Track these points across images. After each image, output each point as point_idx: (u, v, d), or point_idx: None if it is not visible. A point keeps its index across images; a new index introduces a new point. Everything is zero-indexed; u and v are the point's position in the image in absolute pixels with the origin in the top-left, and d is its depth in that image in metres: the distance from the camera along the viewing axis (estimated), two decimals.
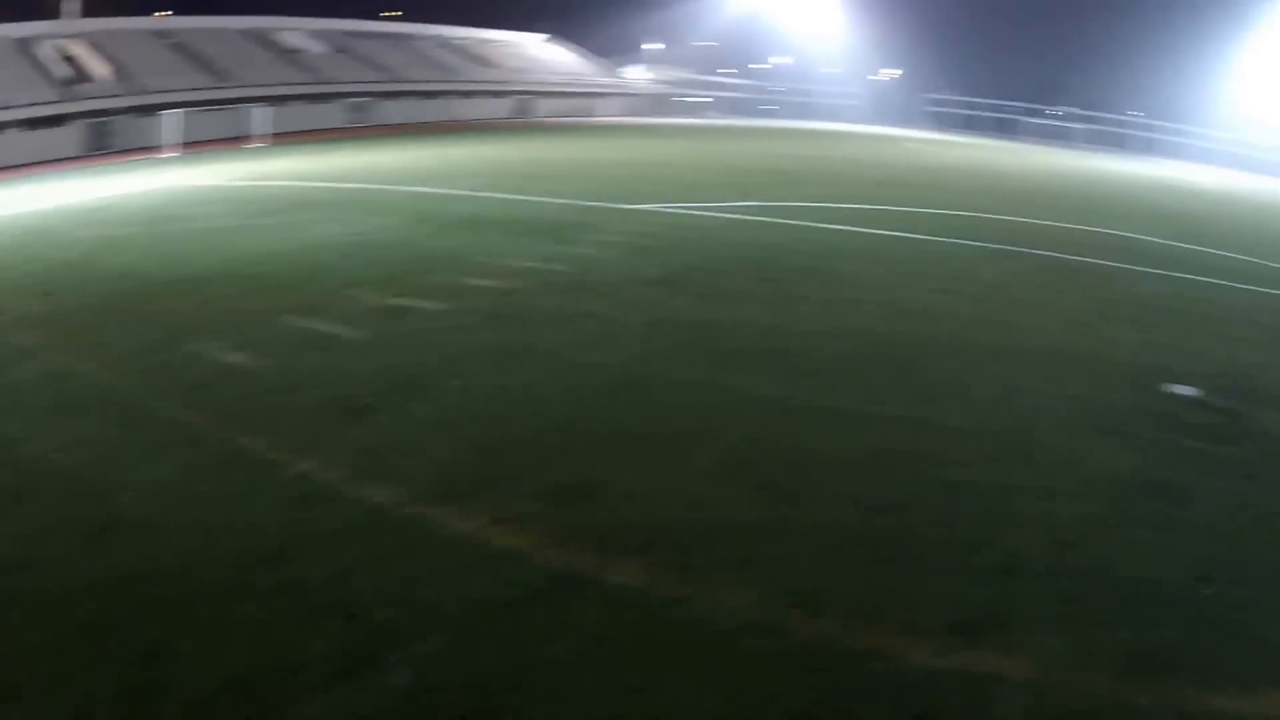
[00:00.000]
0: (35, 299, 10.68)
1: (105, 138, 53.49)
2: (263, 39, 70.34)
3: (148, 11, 74.63)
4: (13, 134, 48.88)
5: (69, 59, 59.06)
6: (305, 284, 10.72)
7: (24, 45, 58.76)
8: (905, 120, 60.75)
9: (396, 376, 7.30)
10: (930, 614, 4.19)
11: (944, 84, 63.67)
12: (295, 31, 73.00)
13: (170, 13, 75.68)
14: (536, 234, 13.99)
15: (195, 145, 40.98)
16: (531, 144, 36.86)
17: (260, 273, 11.49)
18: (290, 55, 69.11)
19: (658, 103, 65.31)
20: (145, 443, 6.12)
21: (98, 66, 58.78)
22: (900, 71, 71.22)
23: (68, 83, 55.07)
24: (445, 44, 72.85)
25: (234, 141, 43.92)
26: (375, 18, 76.53)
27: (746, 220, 15.89)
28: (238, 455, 5.84)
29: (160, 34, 66.36)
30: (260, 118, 43.56)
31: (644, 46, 75.60)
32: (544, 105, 60.36)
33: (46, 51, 58.78)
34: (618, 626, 4.04)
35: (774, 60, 77.77)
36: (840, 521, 5.07)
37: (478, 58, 69.98)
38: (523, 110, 59.43)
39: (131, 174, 29.13)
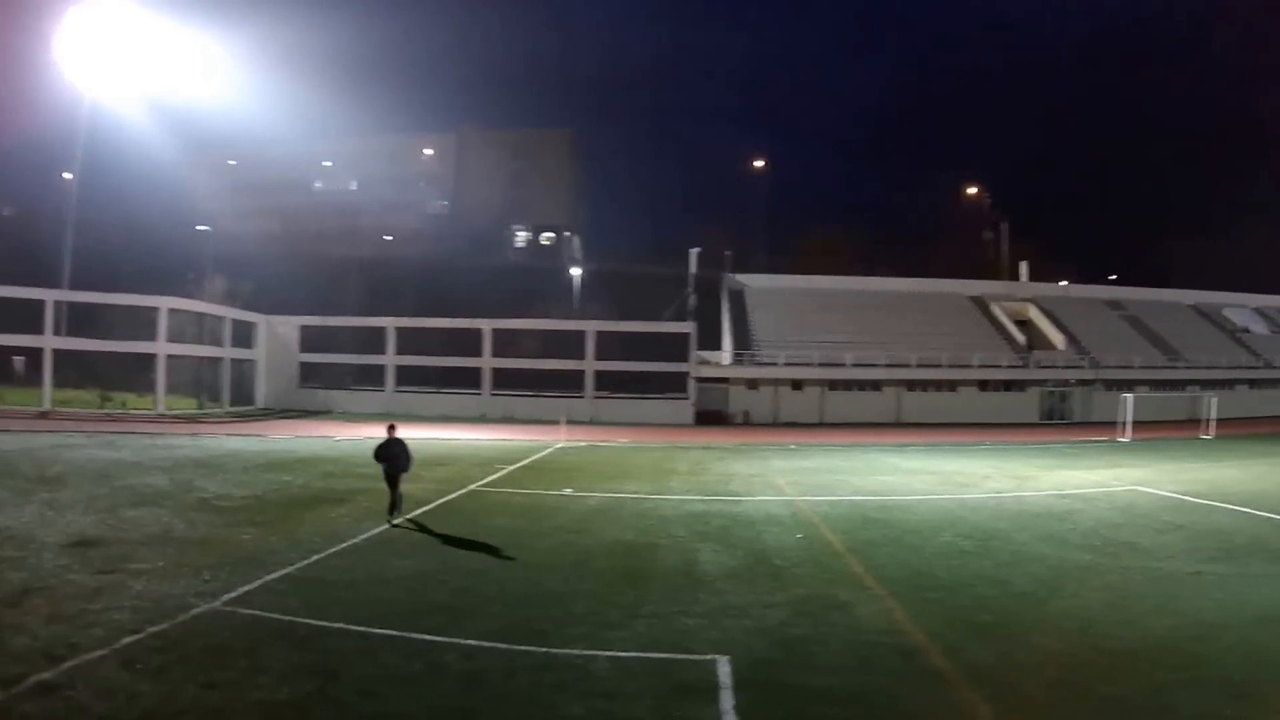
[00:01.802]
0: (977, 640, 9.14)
1: (1060, 409, 55.45)
2: (1210, 315, 66.46)
3: (1095, 275, 73.66)
4: (969, 393, 54.39)
5: (1021, 322, 63.54)
6: None
7: (980, 304, 65.04)
8: None
9: None
10: None
11: None
12: (1240, 309, 67.37)
13: (1115, 279, 75.69)
14: None
15: (1144, 428, 38.64)
16: None
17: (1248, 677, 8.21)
18: (1236, 334, 63.95)
19: None
20: None
21: (1051, 332, 62.32)
22: None
23: (1023, 347, 58.90)
24: None
25: (1183, 427, 40.85)
26: None
27: None
28: None
29: (1112, 304, 67.55)
30: (1209, 403, 40.40)
31: None
32: None
33: (998, 313, 64.15)
34: None
35: None
36: None
37: None
38: None
39: (1086, 461, 28.15)
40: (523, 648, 8.48)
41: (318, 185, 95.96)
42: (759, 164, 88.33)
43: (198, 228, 65.43)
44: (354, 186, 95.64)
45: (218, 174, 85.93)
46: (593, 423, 45.67)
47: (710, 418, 51.22)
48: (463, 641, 8.71)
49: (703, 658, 8.00)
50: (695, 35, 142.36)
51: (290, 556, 12.88)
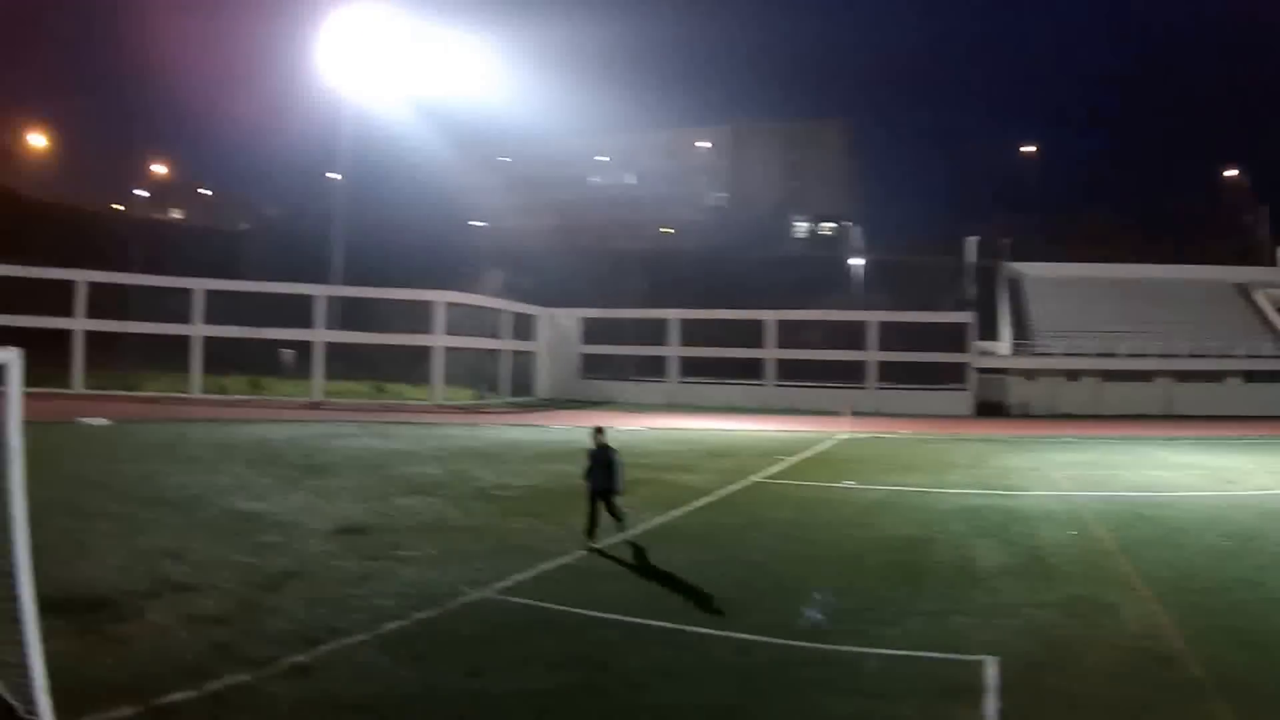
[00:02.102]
0: None
1: None
2: None
3: None
4: (1233, 384, 51.62)
5: None
6: None
7: (1242, 291, 60.82)
8: None
9: None
10: None
11: None
12: None
13: None
14: None
15: None
16: None
17: None
18: None
19: None
20: None
21: None
22: None
23: None
24: None
25: None
26: None
27: None
28: None
29: None
30: None
31: None
32: None
33: (1262, 301, 59.39)
34: None
35: None
36: None
37: None
38: None
39: None
40: (796, 643, 8.37)
41: (594, 180, 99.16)
42: (1030, 149, 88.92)
43: (471, 223, 68.23)
44: (631, 181, 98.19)
45: (492, 172, 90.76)
46: (875, 414, 44.81)
47: (989, 409, 50.76)
48: (736, 635, 8.58)
49: (971, 658, 7.88)
50: (965, 22, 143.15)
51: (566, 546, 12.49)
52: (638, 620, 9.06)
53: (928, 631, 8.73)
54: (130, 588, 9.49)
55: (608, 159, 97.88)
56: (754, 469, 21.70)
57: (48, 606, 6.03)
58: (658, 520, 14.82)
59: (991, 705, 6.87)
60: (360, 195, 58.81)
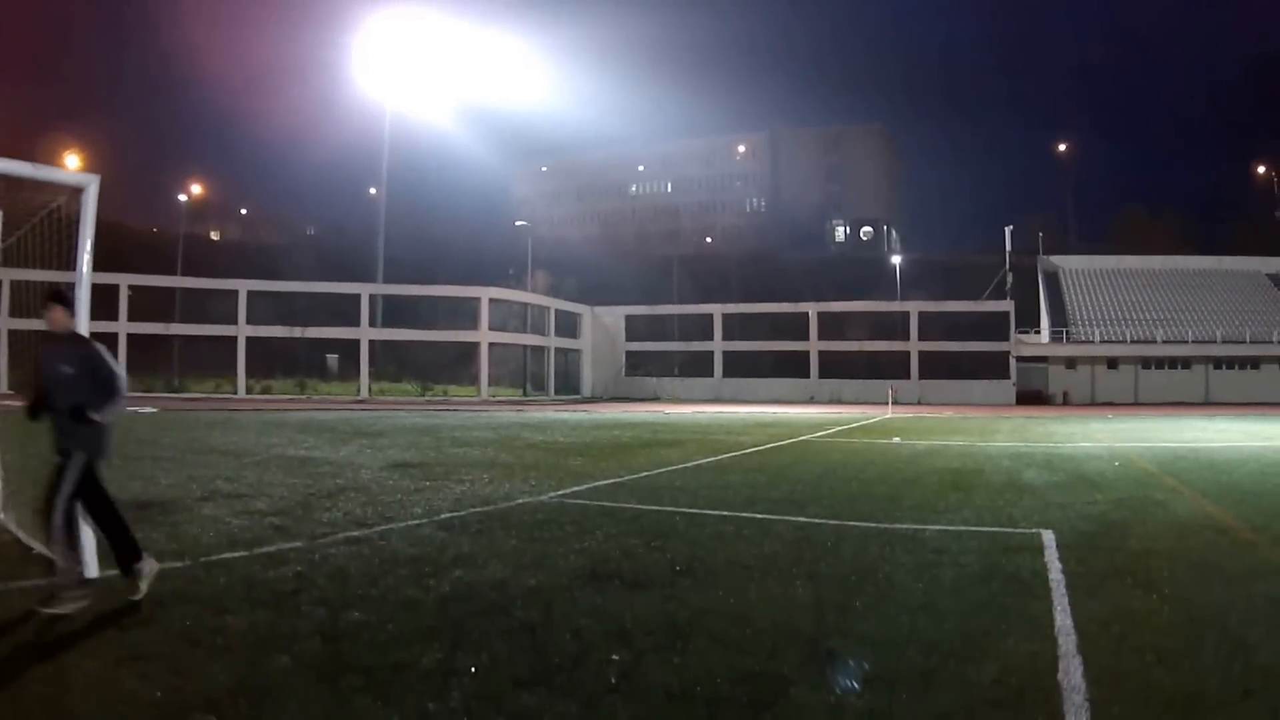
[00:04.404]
0: None
1: None
2: None
3: None
4: (1270, 370, 52.61)
5: None
6: None
7: (1277, 281, 61.31)
8: None
9: None
10: None
11: None
12: None
13: None
14: None
15: None
16: None
17: None
18: None
19: None
20: None
21: None
22: None
23: None
24: None
25: None
26: None
27: None
28: None
29: None
30: None
31: None
32: None
33: None
34: None
35: None
36: None
37: None
38: None
39: None
40: (854, 522, 8.54)
41: (634, 189, 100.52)
42: (1066, 146, 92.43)
43: (516, 223, 68.67)
44: (669, 189, 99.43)
45: (535, 180, 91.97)
46: (918, 403, 46.43)
47: (1030, 398, 52.12)
48: (792, 518, 8.73)
49: (1028, 530, 8.12)
50: (1000, 21, 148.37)
51: (619, 473, 12.68)
52: (696, 511, 9.14)
53: (982, 516, 8.95)
54: (183, 495, 9.54)
55: (646, 168, 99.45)
56: (801, 433, 22.18)
57: None
58: (708, 459, 14.91)
59: (1052, 554, 6.96)
60: (403, 202, 59.57)
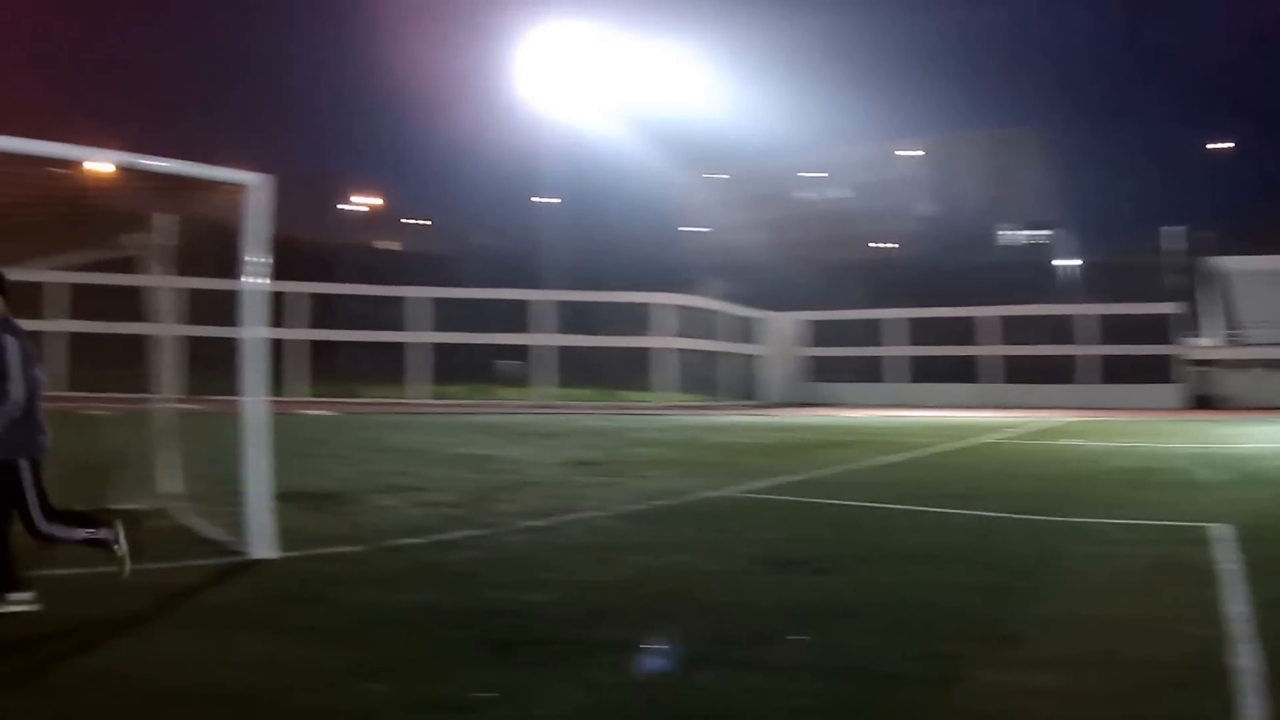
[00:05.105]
0: None
1: None
2: None
3: None
4: None
5: None
6: None
7: None
8: None
9: None
10: None
11: None
12: None
13: None
14: None
15: None
16: None
17: None
18: None
19: None
20: None
21: None
22: None
23: None
24: None
25: None
26: None
27: None
28: None
29: None
30: None
31: None
32: None
33: None
34: None
35: None
36: None
37: None
38: None
39: None
40: (1029, 517, 8.57)
41: (801, 195, 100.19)
42: (1228, 145, 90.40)
43: (682, 229, 68.36)
44: (837, 195, 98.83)
45: (703, 187, 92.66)
46: (1086, 408, 44.73)
47: (1198, 401, 50.33)
48: (971, 512, 8.85)
49: (1199, 524, 7.91)
50: (1159, 21, 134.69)
51: (799, 470, 12.55)
52: (875, 504, 9.21)
53: (1156, 512, 8.90)
54: (361, 487, 9.80)
55: (814, 174, 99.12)
56: (975, 435, 22.08)
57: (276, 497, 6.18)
58: (886, 458, 14.91)
59: (1224, 547, 6.84)
60: (573, 211, 60.61)
